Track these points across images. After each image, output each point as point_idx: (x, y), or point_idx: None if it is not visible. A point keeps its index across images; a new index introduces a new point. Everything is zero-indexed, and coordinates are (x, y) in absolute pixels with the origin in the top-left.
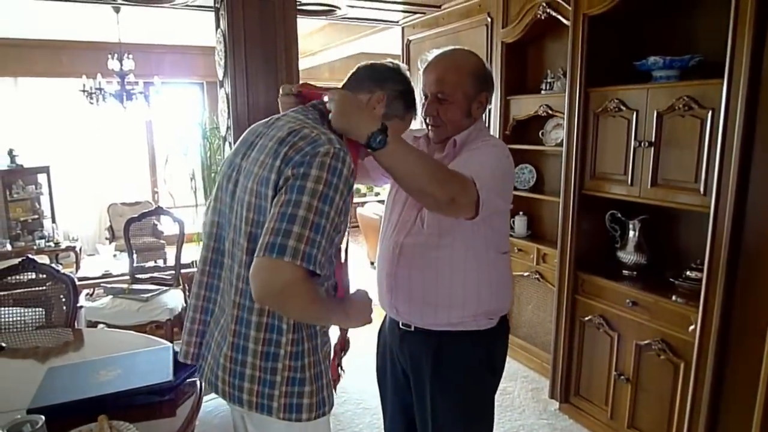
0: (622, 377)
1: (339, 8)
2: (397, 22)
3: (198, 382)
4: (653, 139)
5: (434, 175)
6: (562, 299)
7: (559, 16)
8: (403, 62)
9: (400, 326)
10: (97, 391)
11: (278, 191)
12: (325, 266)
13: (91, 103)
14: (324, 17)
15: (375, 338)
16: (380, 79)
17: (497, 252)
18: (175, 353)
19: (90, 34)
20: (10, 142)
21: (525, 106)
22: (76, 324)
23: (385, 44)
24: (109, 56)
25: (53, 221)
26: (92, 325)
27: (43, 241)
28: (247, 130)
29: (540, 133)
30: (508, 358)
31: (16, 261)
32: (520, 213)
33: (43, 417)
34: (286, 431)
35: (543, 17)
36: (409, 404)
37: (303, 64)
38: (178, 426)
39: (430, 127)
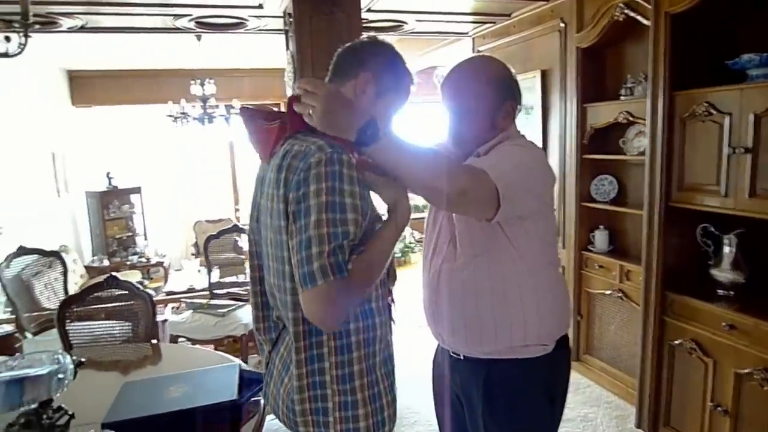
0: (719, 409)
1: (406, 23)
2: (467, 33)
3: (262, 401)
4: (750, 145)
5: (439, 166)
6: (648, 321)
7: (639, 17)
8: None
9: (450, 354)
10: (165, 408)
11: (289, 221)
12: (353, 252)
13: (176, 128)
14: (392, 33)
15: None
16: (360, 59)
17: (541, 267)
18: (242, 371)
19: (176, 63)
20: (107, 165)
21: (603, 113)
22: (162, 337)
23: (457, 56)
24: (192, 82)
25: (145, 238)
26: (174, 338)
27: (135, 257)
28: (259, 166)
29: (621, 142)
30: (589, 382)
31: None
32: (601, 227)
33: None
34: None
35: (621, 19)
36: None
37: None
38: None
39: (452, 143)
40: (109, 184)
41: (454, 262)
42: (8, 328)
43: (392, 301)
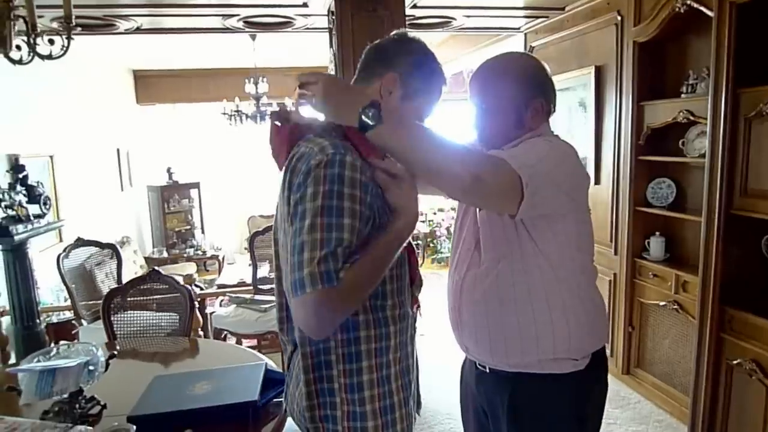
0: None
1: (454, 19)
2: (519, 28)
3: (284, 403)
4: None
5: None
6: (704, 337)
7: (702, 8)
8: None
9: (476, 366)
10: (188, 405)
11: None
12: (348, 260)
13: (231, 125)
14: (441, 29)
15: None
16: (387, 58)
17: (572, 274)
18: (269, 371)
19: (233, 62)
20: (168, 160)
21: (662, 112)
22: (209, 329)
23: None
24: (246, 80)
25: (202, 231)
26: (218, 332)
27: (192, 249)
28: None
29: (680, 143)
30: (639, 397)
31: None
32: (657, 233)
33: (134, 427)
34: None
35: (682, 10)
36: None
37: None
38: None
39: (478, 140)
40: (170, 179)
41: (478, 269)
42: (68, 314)
43: (418, 309)
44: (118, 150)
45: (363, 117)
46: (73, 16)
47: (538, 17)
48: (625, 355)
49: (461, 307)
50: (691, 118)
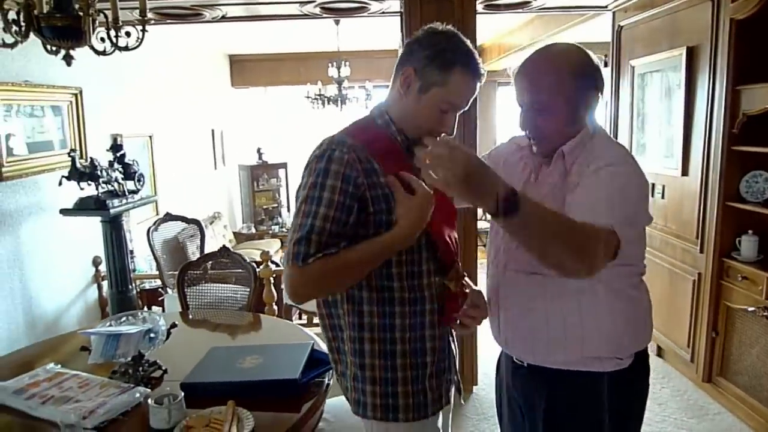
0: None
1: None
2: (606, 6)
3: (325, 382)
4: None
5: (571, 241)
6: None
7: None
8: (612, 52)
9: (514, 360)
10: (235, 377)
11: None
12: (325, 249)
13: (314, 108)
14: (520, 10)
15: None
16: (408, 54)
17: (624, 275)
18: (314, 351)
19: (322, 46)
20: (258, 141)
21: (761, 97)
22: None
23: (599, 33)
24: (329, 64)
25: (288, 210)
26: (289, 308)
27: (277, 227)
28: None
29: None
30: (720, 408)
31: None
32: (750, 232)
33: (182, 394)
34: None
35: None
36: None
37: (514, 59)
38: (293, 421)
39: (531, 140)
40: (260, 158)
41: (522, 264)
42: (158, 282)
43: (461, 306)
44: (212, 131)
45: (499, 207)
46: (148, 9)
47: None
48: (707, 362)
49: (501, 302)
50: None
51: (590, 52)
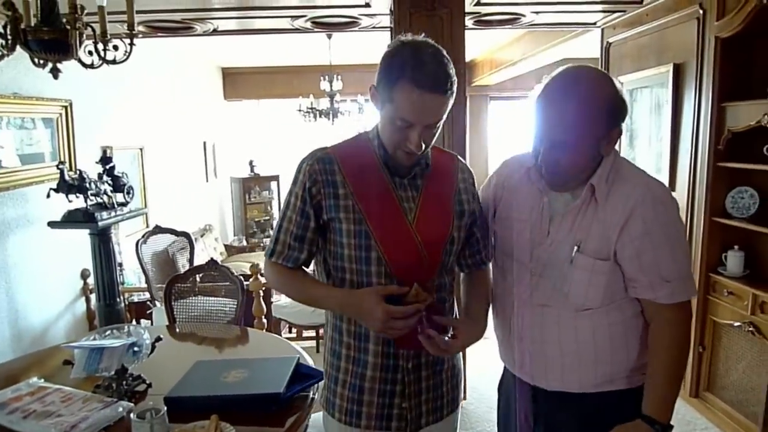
0: None
1: (523, 15)
2: (595, 23)
3: (310, 397)
4: None
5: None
6: None
7: None
8: (601, 68)
9: (531, 385)
10: (219, 391)
11: None
12: (291, 256)
13: (306, 121)
14: (509, 26)
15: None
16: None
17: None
18: (300, 365)
19: (314, 59)
20: (250, 153)
21: (745, 114)
22: (273, 320)
23: (588, 48)
24: (321, 78)
25: None
26: (278, 321)
27: (268, 239)
28: None
29: (765, 149)
30: (707, 424)
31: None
32: (735, 247)
33: (165, 408)
34: None
35: None
36: None
37: (506, 74)
38: None
39: (543, 171)
40: (252, 171)
41: (544, 298)
42: (147, 295)
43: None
44: (204, 143)
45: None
46: (137, 22)
47: (614, 11)
48: (694, 377)
49: (521, 322)
50: None
51: (619, 84)
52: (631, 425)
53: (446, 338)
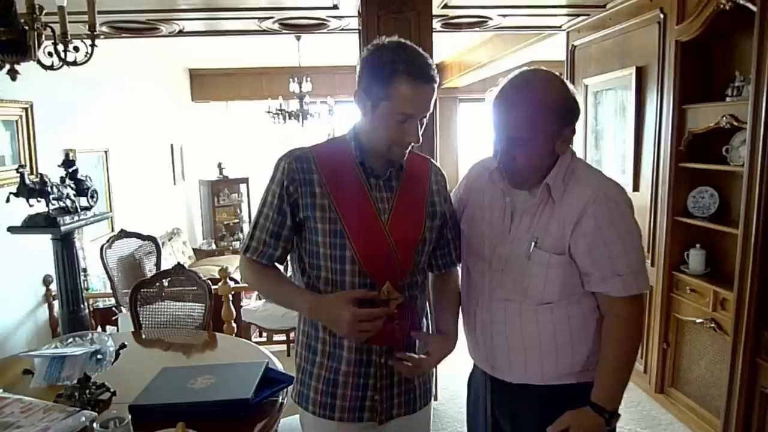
0: None
1: (490, 18)
2: (560, 27)
3: (279, 402)
4: None
5: (635, 352)
6: (737, 361)
7: (748, 4)
8: (567, 70)
9: (496, 378)
10: (185, 398)
11: None
12: (266, 253)
13: (275, 123)
14: (477, 29)
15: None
16: (358, 74)
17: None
18: (270, 370)
19: (283, 61)
20: (219, 156)
21: (704, 116)
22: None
23: (555, 51)
24: (290, 80)
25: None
26: (247, 325)
27: (238, 242)
28: None
29: (724, 150)
30: (671, 419)
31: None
32: (697, 246)
33: (129, 417)
34: None
35: (728, 7)
36: None
37: (475, 76)
38: None
39: (502, 169)
40: (220, 174)
41: (507, 292)
42: (112, 301)
43: (396, 328)
44: (171, 145)
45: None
46: (99, 23)
47: (578, 15)
48: (659, 373)
49: (483, 327)
50: (735, 123)
51: (568, 82)
52: (579, 411)
53: (417, 356)
